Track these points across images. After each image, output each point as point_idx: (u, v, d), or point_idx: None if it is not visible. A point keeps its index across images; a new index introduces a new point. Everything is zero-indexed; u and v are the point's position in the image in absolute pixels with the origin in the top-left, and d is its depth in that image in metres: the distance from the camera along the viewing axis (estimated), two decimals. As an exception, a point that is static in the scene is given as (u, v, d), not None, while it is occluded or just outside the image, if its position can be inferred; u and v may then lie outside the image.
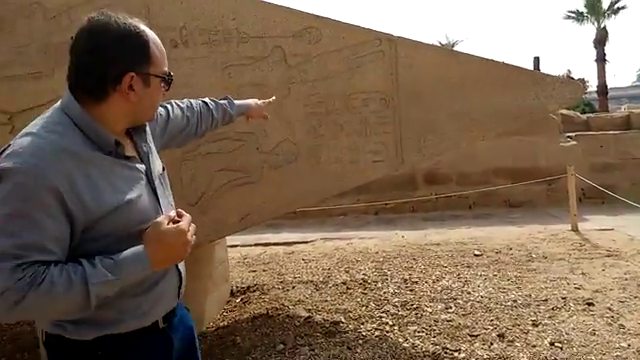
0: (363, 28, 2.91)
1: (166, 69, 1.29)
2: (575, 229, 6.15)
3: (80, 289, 1.08)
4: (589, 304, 3.62)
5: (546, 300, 3.74)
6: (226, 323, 3.62)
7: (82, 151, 1.16)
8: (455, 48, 33.82)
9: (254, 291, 4.25)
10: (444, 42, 35.41)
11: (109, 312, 1.20)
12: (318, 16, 2.86)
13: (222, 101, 1.90)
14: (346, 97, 2.91)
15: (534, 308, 3.60)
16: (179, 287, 1.39)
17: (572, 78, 28.46)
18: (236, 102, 1.96)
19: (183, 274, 1.40)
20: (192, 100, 1.78)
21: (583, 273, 4.38)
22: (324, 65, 2.87)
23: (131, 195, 1.21)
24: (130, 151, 1.29)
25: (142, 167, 1.30)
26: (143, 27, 1.24)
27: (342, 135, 2.92)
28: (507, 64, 3.34)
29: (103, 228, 1.16)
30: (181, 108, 1.70)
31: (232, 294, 4.24)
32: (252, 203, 2.85)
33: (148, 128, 1.41)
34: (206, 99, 1.85)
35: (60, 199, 1.08)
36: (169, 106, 1.66)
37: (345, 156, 2.93)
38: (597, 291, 3.89)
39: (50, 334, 1.24)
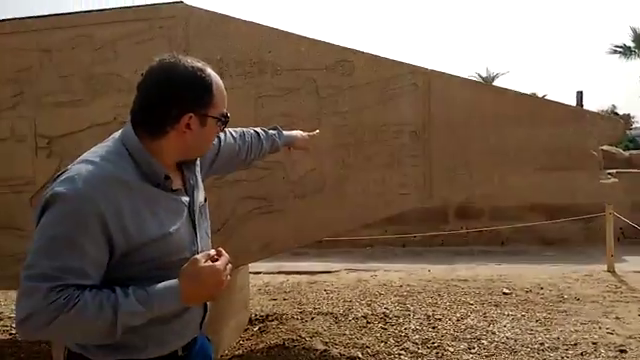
0: (396, 61, 2.93)
1: (224, 110, 1.34)
2: (611, 270, 5.91)
3: (109, 317, 1.11)
4: (622, 351, 3.44)
5: (575, 344, 3.57)
6: (242, 352, 3.59)
7: (132, 180, 1.21)
8: (496, 81, 33.70)
9: (272, 320, 4.21)
10: (484, 75, 35.28)
11: (133, 338, 1.22)
12: (351, 49, 2.90)
13: (272, 131, 1.96)
14: (377, 129, 2.92)
15: (562, 352, 3.44)
16: (203, 318, 1.40)
17: (617, 114, 27.76)
18: (284, 133, 2.02)
19: (209, 307, 1.42)
20: (245, 129, 1.85)
21: (617, 317, 4.18)
22: (356, 97, 2.90)
23: (172, 228, 1.25)
24: (177, 184, 1.33)
25: (186, 200, 1.34)
26: (209, 71, 1.30)
27: (370, 167, 2.92)
28: (544, 99, 3.29)
29: (142, 256, 1.20)
30: (234, 137, 1.77)
31: (250, 322, 4.21)
32: (275, 232, 2.86)
33: (198, 160, 1.46)
34: (257, 129, 1.91)
35: (104, 225, 1.13)
36: (222, 135, 1.70)
37: (372, 188, 2.92)
38: (631, 337, 3.70)
39: (72, 352, 1.27)
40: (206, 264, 1.20)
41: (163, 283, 1.18)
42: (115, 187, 1.17)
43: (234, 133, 1.78)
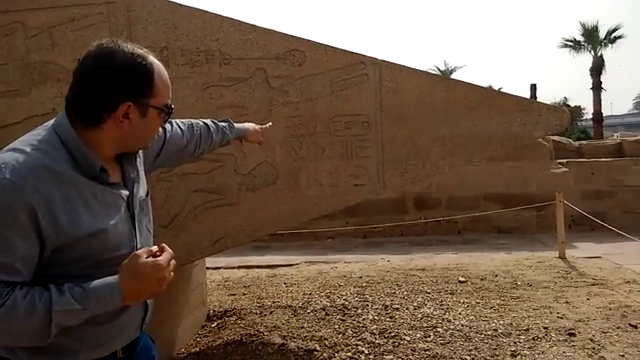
0: (347, 51, 2.90)
1: (168, 102, 1.28)
2: (562, 256, 6.11)
3: (42, 316, 1.04)
4: (571, 334, 3.55)
5: (527, 330, 3.67)
6: (198, 349, 3.51)
7: (65, 172, 1.14)
8: (453, 74, 34.30)
9: (231, 316, 4.14)
10: (442, 68, 35.84)
11: (67, 340, 1.15)
12: (302, 38, 2.85)
13: (222, 124, 1.88)
14: (329, 120, 2.89)
15: (514, 338, 3.53)
16: (143, 318, 1.35)
17: (569, 105, 28.76)
18: (235, 125, 1.95)
19: (150, 304, 1.36)
20: (193, 120, 1.76)
21: (567, 302, 4.32)
22: (307, 87, 2.85)
23: (108, 222, 1.19)
24: (116, 177, 1.27)
25: (125, 194, 1.27)
26: (151, 58, 1.23)
27: (323, 158, 2.89)
28: (492, 90, 3.34)
29: (76, 252, 1.13)
30: (181, 129, 1.68)
31: (208, 318, 4.13)
32: (227, 226, 2.80)
33: (141, 152, 1.40)
34: (207, 121, 1.83)
35: (34, 218, 1.06)
36: (169, 125, 1.62)
37: (325, 179, 2.89)
38: (580, 321, 3.83)
39: (1, 357, 1.19)
40: (148, 260, 1.14)
41: (102, 280, 1.12)
42: (46, 178, 1.10)
43: (182, 125, 1.69)
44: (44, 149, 1.13)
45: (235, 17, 2.80)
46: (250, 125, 2.06)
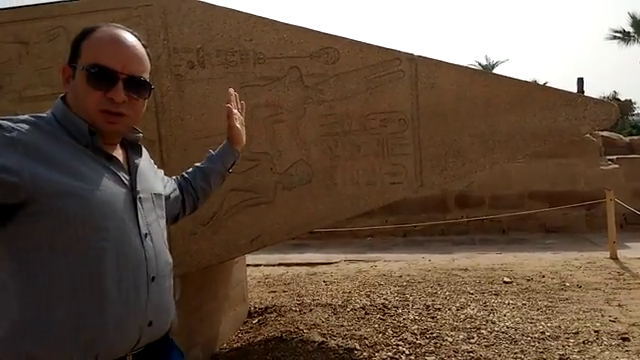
0: (382, 48, 2.85)
1: (96, 61, 1.16)
2: (614, 257, 5.83)
3: None
4: (624, 339, 3.38)
5: (577, 333, 3.51)
6: (240, 345, 3.56)
7: (58, 134, 1.14)
8: (496, 69, 33.33)
9: (271, 312, 4.18)
10: (484, 63, 34.92)
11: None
12: (335, 36, 2.82)
13: (204, 166, 1.71)
14: (364, 117, 2.85)
15: (563, 341, 3.38)
16: (150, 323, 1.20)
17: (618, 100, 27.41)
18: (214, 152, 1.75)
19: (155, 309, 1.22)
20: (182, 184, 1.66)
21: (620, 305, 4.11)
22: (342, 85, 2.83)
23: (91, 186, 1.11)
24: (119, 156, 1.25)
25: (124, 176, 1.22)
26: (101, 26, 1.21)
27: (359, 156, 2.85)
28: (535, 84, 3.21)
29: (53, 213, 1.06)
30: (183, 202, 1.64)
31: (250, 315, 4.19)
32: (264, 224, 2.81)
33: (147, 153, 1.40)
34: (183, 179, 1.68)
35: (12, 146, 1.04)
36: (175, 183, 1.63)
37: (361, 178, 2.86)
38: (634, 325, 3.64)
39: None
40: None
41: None
42: (37, 133, 1.09)
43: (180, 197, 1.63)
44: (38, 119, 1.15)
45: (269, 16, 2.82)
46: (226, 140, 1.78)
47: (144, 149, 1.43)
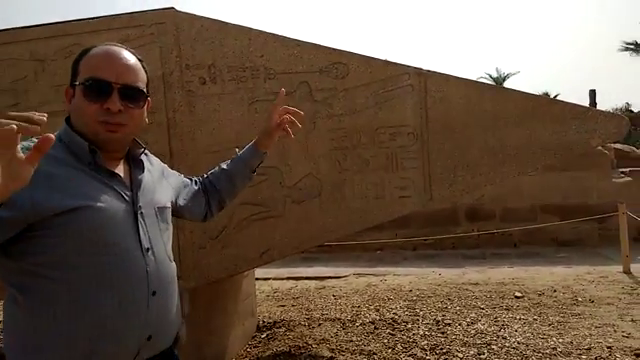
0: (391, 62, 2.88)
1: (92, 74, 1.20)
2: (627, 271, 5.75)
3: None
4: (638, 355, 3.32)
5: (589, 349, 3.46)
6: (248, 359, 3.55)
7: (58, 154, 1.16)
8: (507, 81, 33.31)
9: (280, 327, 4.17)
10: (495, 75, 34.91)
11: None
12: (344, 51, 2.86)
13: (229, 168, 1.72)
14: (373, 131, 2.87)
15: (575, 357, 3.33)
16: (149, 338, 1.22)
17: (632, 112, 27.17)
18: (239, 153, 1.75)
19: (156, 323, 1.24)
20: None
21: (633, 320, 4.05)
22: (351, 100, 2.85)
23: (90, 202, 1.14)
24: (121, 172, 1.27)
25: (126, 192, 1.24)
26: (98, 46, 1.26)
27: (368, 170, 2.87)
28: (544, 97, 3.21)
29: (54, 232, 1.10)
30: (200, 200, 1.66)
31: (258, 329, 4.18)
32: (273, 238, 2.82)
33: (148, 161, 1.40)
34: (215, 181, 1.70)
35: None
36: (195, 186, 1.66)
37: (370, 191, 2.87)
38: (648, 341, 3.57)
39: None
40: None
41: None
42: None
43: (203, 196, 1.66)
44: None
45: (278, 33, 2.86)
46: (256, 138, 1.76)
47: (155, 160, 1.47)
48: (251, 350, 3.76)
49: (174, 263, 1.38)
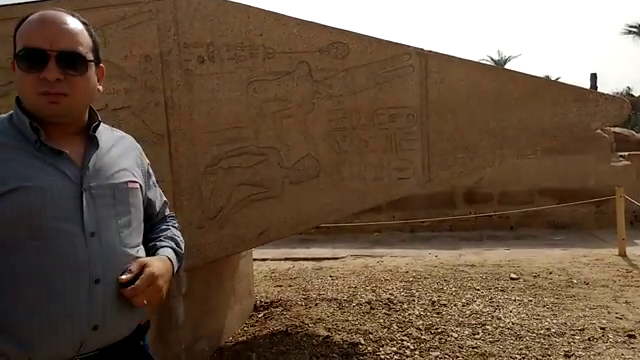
0: (391, 42, 2.85)
1: (26, 44, 1.13)
2: (623, 254, 5.80)
3: None
4: (630, 336, 3.37)
5: (583, 330, 3.50)
6: (245, 338, 3.59)
7: (4, 139, 1.13)
8: (508, 64, 33.10)
9: (277, 307, 4.20)
10: (496, 58, 34.69)
11: None
12: (345, 30, 2.82)
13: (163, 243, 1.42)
14: (372, 112, 2.85)
15: (568, 338, 3.38)
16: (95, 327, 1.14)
17: (632, 95, 27.07)
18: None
19: (99, 319, 1.15)
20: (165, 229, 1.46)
21: (627, 302, 4.09)
22: (350, 80, 2.82)
23: (30, 182, 1.09)
24: (74, 153, 1.18)
25: (72, 171, 1.16)
26: (37, 13, 1.17)
27: (367, 151, 2.85)
28: (546, 79, 3.18)
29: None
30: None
31: (256, 308, 4.22)
32: (271, 218, 2.82)
33: (110, 136, 1.31)
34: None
35: None
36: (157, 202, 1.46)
37: (369, 173, 2.86)
38: (641, 322, 3.62)
39: None
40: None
41: None
42: None
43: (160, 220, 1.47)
44: None
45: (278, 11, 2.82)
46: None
47: (125, 139, 1.36)
48: (248, 329, 3.79)
49: (139, 249, 1.27)
